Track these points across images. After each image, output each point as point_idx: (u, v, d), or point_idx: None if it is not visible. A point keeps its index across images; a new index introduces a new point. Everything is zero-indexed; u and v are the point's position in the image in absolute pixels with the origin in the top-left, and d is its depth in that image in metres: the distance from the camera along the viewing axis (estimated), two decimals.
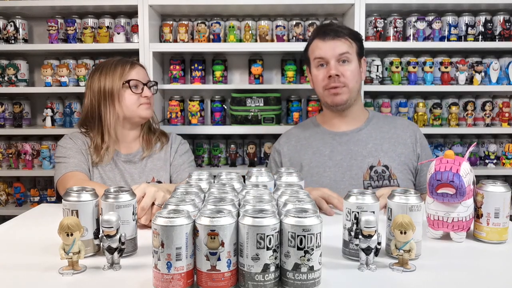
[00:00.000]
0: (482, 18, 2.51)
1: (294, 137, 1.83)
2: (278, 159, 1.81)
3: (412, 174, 1.71)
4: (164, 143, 1.78)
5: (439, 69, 2.51)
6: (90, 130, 1.71)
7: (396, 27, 2.47)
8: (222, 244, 0.81)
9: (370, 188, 1.65)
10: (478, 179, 1.15)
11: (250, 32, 2.52)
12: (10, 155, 2.58)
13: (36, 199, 2.65)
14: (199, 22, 2.52)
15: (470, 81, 2.54)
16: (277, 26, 2.54)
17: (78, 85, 2.51)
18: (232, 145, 2.61)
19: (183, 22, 2.56)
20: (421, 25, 2.45)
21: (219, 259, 0.82)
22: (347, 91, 1.68)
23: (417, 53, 2.58)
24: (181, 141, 1.83)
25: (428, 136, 2.60)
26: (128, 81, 1.65)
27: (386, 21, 2.50)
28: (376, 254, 0.93)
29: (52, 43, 2.49)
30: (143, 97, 1.68)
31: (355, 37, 1.72)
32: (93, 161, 1.66)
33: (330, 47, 1.67)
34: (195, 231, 0.83)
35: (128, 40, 2.53)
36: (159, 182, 1.70)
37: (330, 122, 1.79)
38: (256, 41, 2.54)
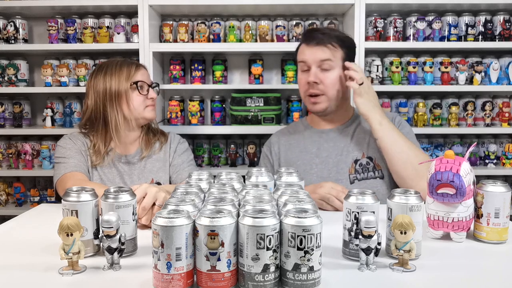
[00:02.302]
0: (482, 18, 2.51)
1: (285, 137, 1.85)
2: (270, 157, 1.83)
3: None
4: (163, 142, 1.77)
5: (439, 69, 2.51)
6: (91, 131, 1.69)
7: (396, 27, 2.47)
8: (222, 244, 0.81)
9: (356, 181, 1.67)
10: (478, 179, 1.15)
11: (250, 32, 2.52)
12: (10, 155, 2.58)
13: (36, 199, 2.65)
14: (199, 22, 2.52)
15: (470, 81, 2.54)
16: (277, 26, 2.54)
17: (78, 85, 2.51)
18: (232, 145, 2.61)
19: (183, 22, 2.56)
20: (421, 25, 2.45)
21: (219, 259, 0.82)
22: (326, 100, 1.68)
23: (417, 53, 2.58)
24: (180, 140, 1.83)
25: (428, 136, 2.61)
26: (136, 82, 1.64)
27: (386, 21, 2.50)
28: (376, 254, 0.93)
29: (52, 43, 2.49)
30: (148, 99, 1.68)
31: (344, 44, 1.69)
32: (93, 163, 1.65)
33: (312, 53, 1.66)
34: (195, 231, 0.83)
35: (128, 40, 2.53)
36: (158, 183, 1.70)
37: (316, 122, 1.81)
38: (256, 41, 2.54)
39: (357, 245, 0.95)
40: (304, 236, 0.81)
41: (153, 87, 1.71)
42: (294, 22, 2.53)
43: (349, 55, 1.71)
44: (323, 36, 1.67)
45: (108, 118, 1.63)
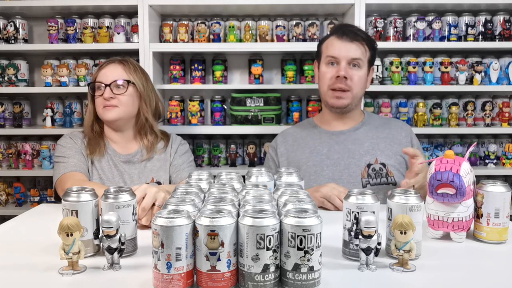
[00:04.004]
0: (482, 18, 2.50)
1: (291, 136, 1.83)
2: (276, 158, 1.83)
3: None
4: (166, 144, 1.77)
5: (439, 69, 2.51)
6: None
7: (396, 27, 2.47)
8: (222, 244, 0.81)
9: (368, 186, 1.67)
10: (478, 179, 1.15)
11: (250, 32, 2.52)
12: (10, 155, 2.58)
13: (36, 199, 2.65)
14: (199, 22, 2.52)
15: (470, 81, 2.54)
16: (277, 26, 2.54)
17: (78, 85, 2.51)
18: (232, 145, 2.61)
19: (183, 22, 2.56)
20: (421, 25, 2.45)
21: (219, 259, 0.82)
22: (350, 96, 1.69)
23: (417, 53, 2.58)
24: (181, 141, 1.83)
25: (428, 136, 2.61)
26: (89, 84, 1.67)
27: (386, 21, 2.50)
28: (376, 254, 0.93)
29: (52, 43, 2.49)
30: (103, 99, 1.62)
31: (371, 45, 1.72)
32: (93, 161, 1.65)
33: (345, 48, 1.67)
34: (195, 231, 0.83)
35: (128, 40, 2.53)
36: (158, 182, 1.70)
37: (327, 122, 1.80)
38: (256, 41, 2.54)
39: (357, 245, 0.95)
40: (304, 236, 0.81)
41: (113, 86, 1.62)
42: (294, 22, 2.53)
43: (373, 57, 1.75)
44: (358, 32, 1.70)
45: (87, 115, 1.72)
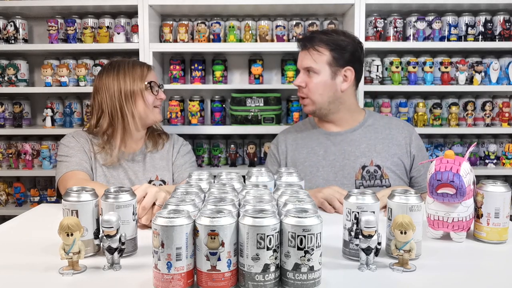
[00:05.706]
0: (482, 18, 2.50)
1: (292, 135, 1.84)
2: (277, 156, 1.83)
3: (405, 175, 1.72)
4: (165, 140, 1.79)
5: (439, 69, 2.51)
6: (101, 131, 1.66)
7: (396, 27, 2.47)
8: (222, 244, 0.81)
9: (362, 188, 1.66)
10: (478, 179, 1.15)
11: (250, 32, 2.52)
12: (10, 155, 2.58)
13: (36, 199, 2.65)
14: (199, 22, 2.52)
15: (470, 81, 2.54)
16: (277, 26, 2.54)
17: (78, 85, 2.51)
18: (232, 145, 2.61)
19: (183, 22, 2.56)
20: (421, 25, 2.45)
21: (219, 259, 0.82)
22: (311, 103, 1.72)
23: (417, 53, 2.58)
24: (183, 142, 1.85)
25: (428, 136, 2.61)
26: (150, 82, 1.67)
27: (386, 21, 2.50)
28: (376, 254, 0.94)
29: (52, 43, 2.49)
30: (158, 99, 1.69)
31: (331, 47, 1.66)
32: (105, 162, 1.65)
33: (300, 58, 1.74)
34: (195, 231, 0.83)
35: (128, 40, 2.53)
36: (163, 181, 1.71)
37: (322, 123, 1.81)
38: (256, 41, 2.54)
39: (357, 245, 0.95)
40: (304, 236, 0.81)
41: (161, 88, 1.73)
42: (294, 22, 2.53)
43: (339, 58, 1.67)
44: (307, 42, 1.71)
45: (124, 118, 1.62)
